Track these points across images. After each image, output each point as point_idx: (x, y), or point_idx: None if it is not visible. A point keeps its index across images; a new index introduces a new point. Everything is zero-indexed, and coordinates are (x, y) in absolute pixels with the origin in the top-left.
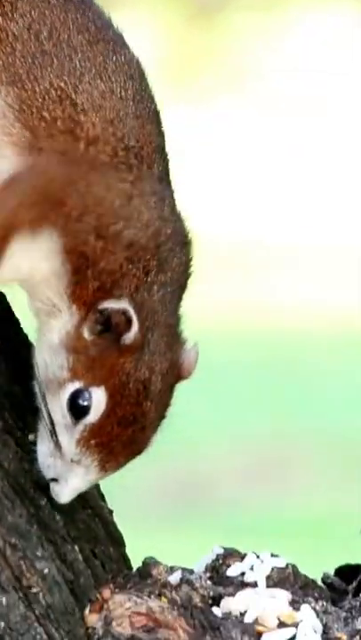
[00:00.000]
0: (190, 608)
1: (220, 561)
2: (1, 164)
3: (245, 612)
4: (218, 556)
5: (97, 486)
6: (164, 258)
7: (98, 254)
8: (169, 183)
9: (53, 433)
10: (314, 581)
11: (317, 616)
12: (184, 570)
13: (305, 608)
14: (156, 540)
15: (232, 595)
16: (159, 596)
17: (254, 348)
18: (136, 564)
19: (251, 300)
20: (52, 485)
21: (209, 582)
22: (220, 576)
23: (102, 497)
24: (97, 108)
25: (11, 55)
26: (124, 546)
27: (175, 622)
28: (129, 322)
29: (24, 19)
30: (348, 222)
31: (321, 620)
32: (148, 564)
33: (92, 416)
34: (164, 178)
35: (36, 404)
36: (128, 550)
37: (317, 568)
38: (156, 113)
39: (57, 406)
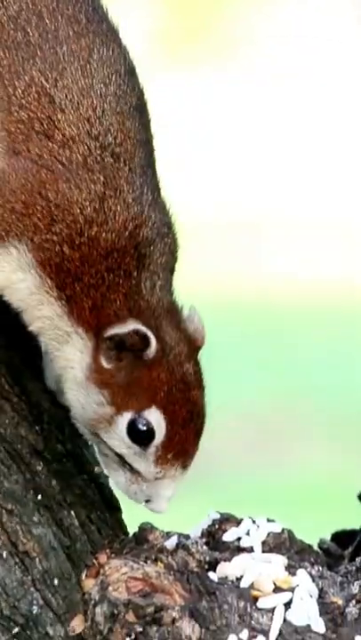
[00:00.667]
0: (186, 573)
1: (217, 526)
2: None
3: (241, 576)
4: (214, 521)
5: (93, 452)
6: (144, 254)
7: (78, 267)
8: (153, 172)
9: (124, 463)
10: (310, 546)
11: (313, 581)
12: (180, 535)
13: (301, 573)
14: None
15: (228, 560)
16: (155, 561)
17: (253, 320)
18: (132, 529)
19: (244, 273)
20: (147, 505)
21: (205, 547)
22: (217, 541)
23: (98, 462)
24: (75, 105)
25: None
26: (121, 511)
27: (171, 587)
28: (144, 338)
29: (14, 6)
30: (342, 191)
31: (317, 585)
32: (145, 529)
33: (158, 436)
34: (146, 170)
35: (86, 437)
36: (124, 516)
37: (314, 534)
38: (142, 106)
39: (117, 441)
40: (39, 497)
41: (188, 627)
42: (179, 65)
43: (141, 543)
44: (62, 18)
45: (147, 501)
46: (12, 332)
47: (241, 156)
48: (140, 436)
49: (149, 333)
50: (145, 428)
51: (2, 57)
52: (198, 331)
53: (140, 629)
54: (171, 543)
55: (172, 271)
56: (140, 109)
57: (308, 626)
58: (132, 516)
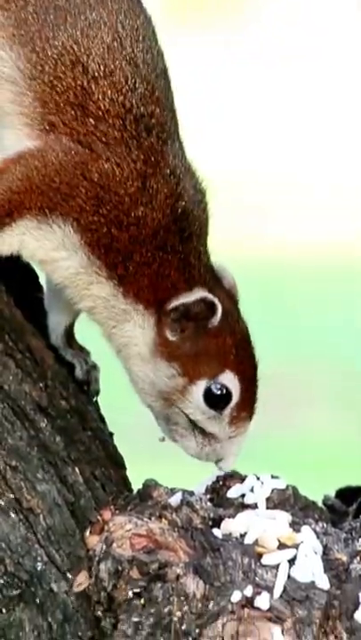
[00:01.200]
0: (190, 530)
1: (221, 483)
2: (9, 136)
3: (245, 533)
4: (218, 478)
5: (97, 409)
6: (184, 227)
7: (127, 246)
8: (178, 137)
9: (196, 428)
10: (314, 503)
11: (318, 537)
12: (184, 492)
13: (305, 529)
14: (156, 463)
15: (232, 516)
16: (160, 517)
17: (254, 284)
18: (137, 486)
19: (248, 238)
20: (218, 464)
21: (209, 504)
22: (221, 498)
23: (102, 419)
24: (108, 74)
25: (23, 10)
26: (125, 468)
27: (175, 544)
28: (210, 306)
29: None
30: (346, 165)
31: (321, 542)
32: (149, 486)
33: (234, 397)
34: (174, 137)
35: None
36: (128, 472)
37: (319, 491)
38: (165, 70)
39: (191, 408)
40: (43, 454)
41: (192, 583)
42: (184, 46)
43: (146, 500)
44: None
45: (217, 461)
46: (15, 289)
47: (247, 133)
48: (218, 400)
49: (216, 301)
50: (222, 392)
51: (31, 22)
52: (233, 287)
53: (144, 586)
54: (175, 500)
55: (206, 232)
56: (165, 74)
57: (313, 582)
58: (137, 473)
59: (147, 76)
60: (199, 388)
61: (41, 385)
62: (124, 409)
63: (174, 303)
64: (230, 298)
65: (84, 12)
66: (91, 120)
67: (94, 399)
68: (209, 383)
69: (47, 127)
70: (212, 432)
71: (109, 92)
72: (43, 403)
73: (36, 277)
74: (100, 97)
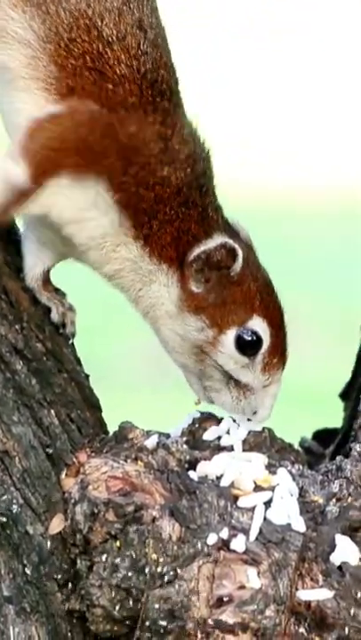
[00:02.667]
0: (166, 472)
1: (197, 425)
2: (27, 100)
3: (221, 475)
4: (194, 420)
5: (73, 350)
6: (202, 184)
7: (153, 206)
8: (180, 97)
9: (230, 380)
10: (290, 445)
11: (294, 479)
12: (160, 434)
13: (281, 471)
14: (133, 405)
15: (208, 459)
16: (135, 460)
17: (251, 226)
18: (113, 428)
19: (244, 183)
20: (253, 417)
21: (185, 446)
22: (197, 440)
23: (79, 361)
24: (121, 39)
25: None
26: (101, 410)
27: (151, 486)
28: (231, 251)
29: None
30: (340, 143)
31: (297, 484)
32: (125, 428)
33: (265, 342)
34: (180, 99)
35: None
36: (104, 414)
37: (296, 433)
38: (165, 32)
39: (224, 359)
40: (19, 396)
41: (168, 525)
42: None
43: (121, 442)
44: None
45: (253, 413)
46: None
47: (239, 108)
48: (250, 347)
49: (236, 246)
50: (253, 338)
51: None
52: (248, 239)
53: (120, 528)
54: (151, 442)
55: (215, 187)
56: (165, 36)
57: (289, 524)
58: (112, 415)
59: (154, 41)
60: (229, 336)
61: (17, 327)
62: (100, 350)
63: (196, 252)
64: (250, 248)
65: None
66: (109, 85)
67: (70, 341)
68: (239, 330)
69: (65, 91)
70: (247, 382)
71: (123, 56)
72: (18, 345)
73: (13, 220)
74: (116, 62)
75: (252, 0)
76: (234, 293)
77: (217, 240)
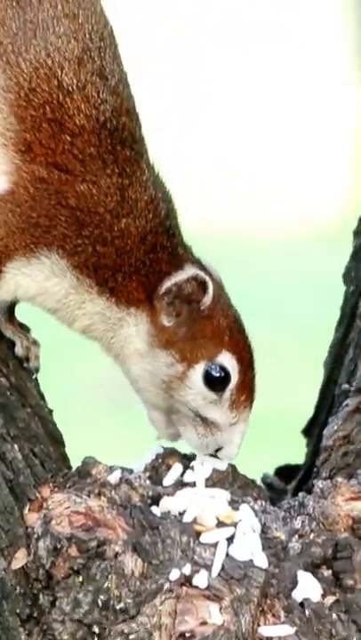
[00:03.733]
0: (129, 507)
1: (160, 460)
2: None
3: (184, 511)
4: (157, 455)
5: (37, 385)
6: (169, 225)
7: (115, 260)
8: (142, 138)
9: (197, 417)
10: (253, 481)
11: (256, 515)
12: (123, 469)
13: (244, 507)
14: (95, 440)
15: (171, 494)
16: (98, 495)
17: (217, 254)
18: (76, 463)
19: (218, 213)
20: (218, 453)
21: (148, 482)
22: (160, 476)
23: (42, 396)
24: (81, 88)
25: None
26: (64, 445)
27: (114, 521)
28: (201, 284)
29: None
30: (317, 146)
31: (260, 520)
32: (88, 463)
33: (233, 378)
34: (142, 142)
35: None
36: (68, 450)
37: (258, 469)
38: (127, 78)
39: (192, 395)
40: None
41: (130, 561)
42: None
43: (85, 477)
44: None
45: (217, 450)
46: None
47: (219, 114)
48: (218, 382)
49: (207, 278)
50: (221, 374)
51: (2, 34)
52: (218, 278)
53: (83, 563)
54: (114, 477)
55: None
56: (127, 82)
57: (251, 561)
58: (76, 450)
59: (115, 88)
60: (198, 371)
61: None
62: (65, 385)
63: (167, 284)
64: (219, 287)
65: (54, 25)
66: (67, 137)
67: (34, 376)
68: (207, 365)
69: (22, 148)
70: (214, 418)
71: (83, 106)
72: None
73: None
74: (76, 112)
75: (231, 7)
76: (204, 328)
77: (188, 272)
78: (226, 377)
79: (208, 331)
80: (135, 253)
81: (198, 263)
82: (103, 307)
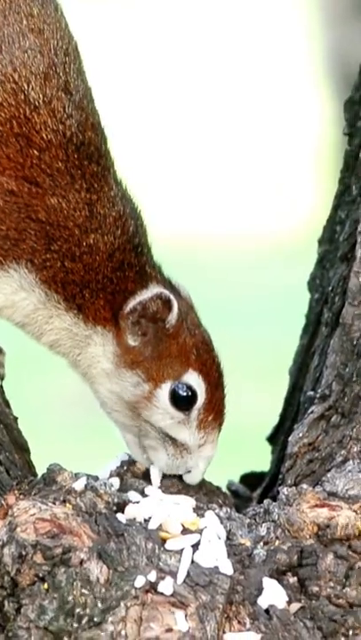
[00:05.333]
0: (95, 514)
1: (125, 468)
2: None
3: (150, 518)
4: (122, 462)
5: (2, 393)
6: (137, 243)
7: (83, 276)
8: (110, 155)
9: (167, 438)
10: (218, 488)
11: (221, 522)
12: (89, 476)
13: (209, 515)
14: (60, 447)
15: (137, 501)
16: (64, 502)
17: (180, 266)
18: (41, 470)
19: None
20: (185, 476)
21: (114, 488)
22: (125, 483)
23: (7, 404)
24: (47, 103)
25: None
26: (29, 452)
27: (80, 528)
28: (166, 303)
29: None
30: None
31: (225, 527)
32: (53, 470)
33: (200, 397)
34: (109, 157)
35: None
36: (33, 457)
37: (223, 476)
38: (91, 92)
39: (159, 414)
40: None
41: (95, 568)
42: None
43: (50, 484)
44: (20, 9)
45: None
46: None
47: (182, 127)
48: (184, 401)
49: (172, 297)
50: (187, 393)
51: None
52: (188, 297)
53: (48, 570)
54: (79, 484)
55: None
56: (92, 97)
57: (216, 567)
58: (41, 458)
59: (80, 103)
60: (164, 390)
61: None
62: (30, 392)
63: (132, 303)
64: (189, 307)
65: (19, 40)
66: (34, 151)
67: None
68: (174, 384)
69: None
70: (182, 439)
71: (49, 121)
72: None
73: None
74: (42, 127)
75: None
76: (169, 347)
77: (153, 290)
78: (193, 396)
79: (174, 350)
80: (103, 270)
81: (165, 282)
82: (70, 323)
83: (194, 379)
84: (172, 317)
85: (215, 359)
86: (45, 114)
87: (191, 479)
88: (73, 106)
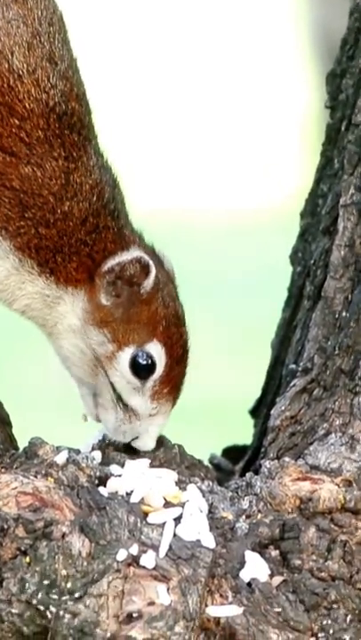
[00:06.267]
0: (77, 488)
1: (107, 441)
2: None
3: (132, 491)
4: (104, 436)
5: None
6: (113, 208)
7: (57, 241)
8: (93, 125)
9: (119, 400)
10: (200, 461)
11: (203, 496)
12: (70, 450)
13: (191, 488)
14: (42, 421)
15: (118, 475)
16: (45, 476)
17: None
18: (22, 444)
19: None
20: (134, 442)
21: (95, 462)
22: (107, 456)
23: None
24: (31, 72)
25: None
26: (11, 425)
27: (61, 502)
28: (144, 267)
29: None
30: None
31: (207, 500)
32: (35, 444)
33: (158, 369)
34: (91, 128)
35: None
36: (14, 430)
37: (205, 449)
38: (77, 64)
39: (117, 377)
40: None
41: (77, 541)
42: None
43: (32, 458)
44: None
45: (133, 439)
46: None
47: (174, 102)
48: (142, 369)
49: (150, 262)
50: (147, 362)
51: None
52: (171, 271)
53: (30, 544)
54: (61, 458)
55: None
56: (77, 68)
57: (198, 541)
58: (22, 431)
59: (65, 73)
60: (126, 354)
61: None
62: (11, 366)
63: (110, 263)
64: (171, 280)
65: (3, 10)
66: (15, 120)
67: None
68: (136, 351)
69: None
70: (134, 406)
71: (33, 90)
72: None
73: None
74: (25, 96)
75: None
76: (140, 312)
77: (133, 253)
78: (152, 366)
79: (144, 316)
80: (77, 234)
81: (147, 248)
82: (43, 286)
83: (157, 350)
84: (148, 283)
85: (183, 335)
86: (29, 83)
87: (141, 444)
88: (58, 75)
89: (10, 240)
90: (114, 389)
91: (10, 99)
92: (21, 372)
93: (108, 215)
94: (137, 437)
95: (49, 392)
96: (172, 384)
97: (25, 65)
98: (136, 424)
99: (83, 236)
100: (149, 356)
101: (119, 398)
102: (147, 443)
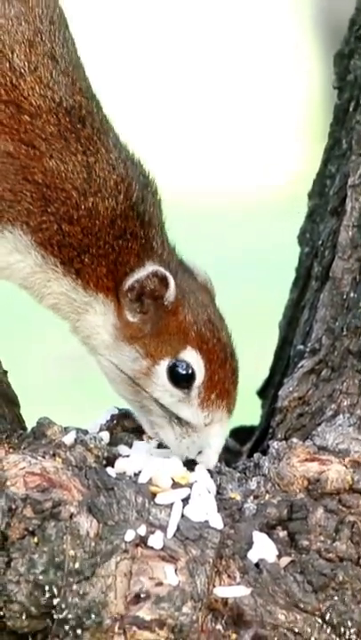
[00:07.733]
0: (85, 468)
1: (115, 421)
2: None
3: (140, 472)
4: (112, 416)
5: None
6: (143, 211)
7: (81, 240)
8: (110, 125)
9: (171, 416)
10: None
11: (211, 476)
12: (78, 430)
13: (199, 469)
14: (50, 401)
15: (126, 455)
16: (53, 456)
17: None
18: (30, 424)
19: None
20: (198, 458)
21: (103, 442)
22: (115, 436)
23: None
24: (33, 70)
25: None
26: (19, 406)
27: (69, 482)
28: (163, 280)
29: None
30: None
31: (215, 481)
32: (43, 424)
33: (199, 375)
34: (105, 122)
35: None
36: (22, 411)
37: None
38: (79, 60)
39: (159, 392)
40: None
41: (85, 522)
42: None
43: (40, 438)
44: None
45: (198, 454)
46: None
47: (175, 84)
48: (182, 378)
49: (168, 274)
50: (185, 371)
51: None
52: (207, 282)
53: (38, 524)
54: (69, 438)
55: (162, 219)
56: (80, 63)
57: (206, 522)
58: (31, 412)
59: (67, 69)
60: (162, 367)
61: None
62: (20, 347)
63: (129, 281)
64: (205, 289)
65: (4, 8)
66: (26, 117)
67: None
68: (171, 361)
69: None
70: (186, 418)
71: (37, 87)
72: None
73: None
74: (30, 93)
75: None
76: (168, 323)
77: (148, 268)
78: (191, 374)
79: (173, 326)
80: (103, 236)
81: (173, 257)
82: (68, 287)
83: (192, 356)
84: (170, 294)
85: (221, 339)
86: (32, 80)
87: (205, 460)
88: (60, 72)
89: (31, 235)
90: (161, 405)
91: (15, 96)
92: (30, 352)
93: (135, 219)
94: (201, 452)
95: (58, 372)
96: (220, 388)
97: (26, 63)
98: (195, 436)
99: (110, 240)
100: (186, 363)
101: (170, 413)
102: (210, 458)
